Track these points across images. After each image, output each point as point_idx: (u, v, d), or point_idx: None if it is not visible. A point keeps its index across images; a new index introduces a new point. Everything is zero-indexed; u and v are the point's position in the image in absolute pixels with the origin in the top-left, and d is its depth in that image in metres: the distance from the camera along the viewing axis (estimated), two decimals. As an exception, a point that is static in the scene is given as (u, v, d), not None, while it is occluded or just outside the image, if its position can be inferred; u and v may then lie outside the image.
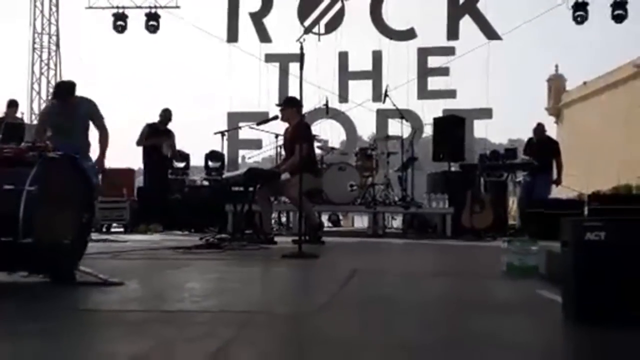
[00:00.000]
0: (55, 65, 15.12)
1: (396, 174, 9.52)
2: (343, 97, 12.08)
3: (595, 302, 2.26)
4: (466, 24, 11.95)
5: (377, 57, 12.12)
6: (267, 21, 12.38)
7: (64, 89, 6.43)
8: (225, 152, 9.26)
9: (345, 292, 3.22)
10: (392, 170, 9.63)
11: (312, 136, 7.44)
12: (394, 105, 9.38)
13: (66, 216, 3.34)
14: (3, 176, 3.11)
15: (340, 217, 12.93)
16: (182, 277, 3.89)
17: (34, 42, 14.93)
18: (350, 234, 9.44)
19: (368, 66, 12.15)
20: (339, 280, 3.56)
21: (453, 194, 8.91)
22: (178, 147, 10.19)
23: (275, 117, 7.18)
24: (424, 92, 11.97)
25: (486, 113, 11.97)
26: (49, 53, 15.08)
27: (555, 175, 9.46)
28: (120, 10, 12.66)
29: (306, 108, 7.23)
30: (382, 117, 11.43)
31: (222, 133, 8.22)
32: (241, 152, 11.93)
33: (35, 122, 12.39)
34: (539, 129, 9.60)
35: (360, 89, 12.21)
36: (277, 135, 8.67)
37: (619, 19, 11.52)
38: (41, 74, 15.03)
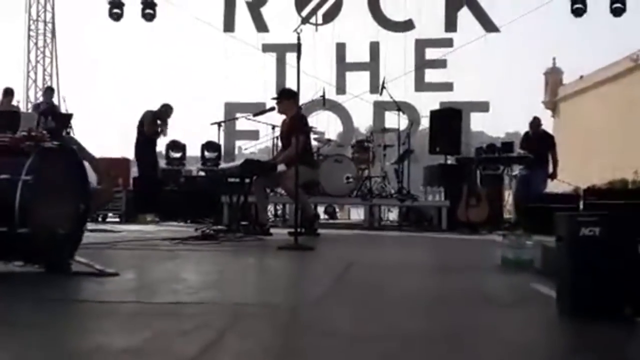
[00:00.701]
0: (51, 53, 15.04)
1: (392, 166, 9.53)
2: (340, 88, 12.07)
3: (589, 298, 2.27)
4: (464, 15, 11.93)
5: (374, 48, 12.10)
6: (265, 10, 12.35)
7: None
8: (221, 142, 9.27)
9: (340, 284, 3.23)
10: (389, 162, 9.63)
11: (308, 128, 7.43)
12: (391, 97, 9.38)
13: (62, 206, 3.33)
14: (-1, 166, 3.11)
15: (337, 210, 12.94)
16: (177, 268, 3.89)
17: (29, 29, 14.84)
18: (346, 227, 9.45)
19: (366, 57, 12.14)
20: (334, 272, 3.57)
21: (449, 187, 8.92)
22: (174, 136, 10.19)
23: (272, 109, 7.17)
24: (421, 85, 11.98)
25: (483, 106, 11.98)
26: (45, 40, 14.99)
27: (550, 170, 9.48)
28: (116, -2, 12.58)
29: (303, 99, 7.22)
30: (379, 109, 11.43)
31: (219, 124, 8.21)
32: (238, 143, 11.93)
33: (30, 110, 12.33)
34: (535, 122, 9.61)
35: (358, 81, 12.21)
36: (274, 127, 8.66)
37: (617, 12, 11.51)
38: (37, 61, 14.95)
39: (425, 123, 10.75)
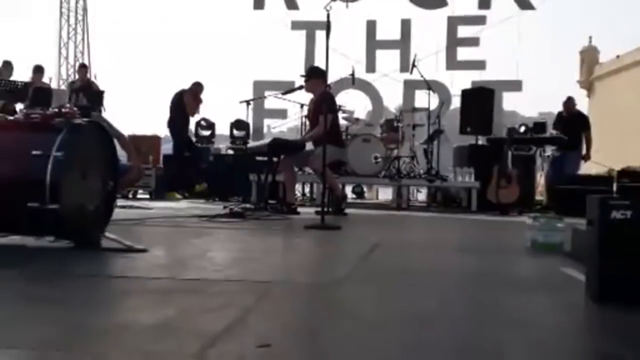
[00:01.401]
0: (83, 30, 15.20)
1: (422, 146, 9.44)
2: (370, 66, 11.95)
3: (619, 283, 2.22)
4: (499, -8, 11.69)
5: (406, 25, 11.92)
6: (295, -13, 12.24)
7: None
8: (250, 121, 9.28)
9: (366, 265, 3.22)
10: (418, 142, 9.54)
11: (336, 107, 7.40)
12: (422, 76, 9.25)
13: (92, 182, 3.38)
14: (30, 142, 3.16)
15: (365, 189, 12.91)
16: (204, 245, 3.92)
17: (61, 6, 15.00)
18: (374, 207, 9.43)
19: (396, 35, 11.97)
20: (360, 252, 3.56)
21: (479, 168, 8.81)
22: (204, 114, 10.25)
23: (301, 87, 7.15)
24: (452, 63, 11.79)
25: (516, 85, 11.76)
26: (76, 17, 15.15)
27: (584, 151, 9.29)
28: (148, -25, 12.61)
29: (332, 78, 7.17)
30: (409, 88, 11.31)
31: (248, 102, 8.22)
32: (266, 122, 11.93)
33: (63, 87, 12.51)
34: (569, 103, 9.42)
35: (388, 59, 12.07)
36: (302, 105, 8.65)
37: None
38: (68, 38, 15.13)
39: (456, 102, 10.61)
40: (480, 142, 9.47)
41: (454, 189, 9.47)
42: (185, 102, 9.60)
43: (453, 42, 11.74)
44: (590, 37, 26.09)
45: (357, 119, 9.50)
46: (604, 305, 2.23)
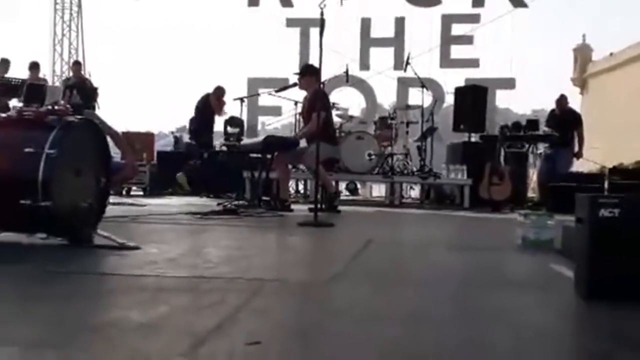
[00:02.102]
0: (77, 26, 15.13)
1: (415, 143, 9.47)
2: (364, 64, 11.97)
3: (607, 281, 2.24)
4: (492, -10, 11.72)
5: (400, 23, 11.95)
6: (289, -15, 12.23)
7: None
8: (244, 118, 9.28)
9: (358, 262, 3.23)
10: (412, 140, 9.57)
11: (329, 104, 7.41)
12: (416, 73, 9.27)
13: (84, 179, 3.38)
14: (23, 139, 3.16)
15: (358, 186, 12.92)
16: (197, 242, 3.93)
17: (55, 3, 14.93)
18: (367, 204, 9.45)
19: (390, 33, 12.00)
20: (353, 249, 3.57)
21: (472, 165, 8.85)
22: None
23: (295, 84, 7.16)
24: (446, 61, 11.82)
25: (509, 83, 11.81)
26: (71, 14, 15.08)
27: (576, 148, 9.33)
28: (141, -28, 12.58)
29: (326, 75, 7.17)
30: (403, 85, 11.33)
31: (242, 99, 8.22)
32: (261, 119, 11.94)
33: (57, 84, 12.47)
34: (562, 100, 9.46)
35: (382, 57, 12.09)
36: (296, 103, 8.65)
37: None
38: (63, 35, 15.06)
39: (449, 100, 10.65)
40: (473, 140, 9.50)
41: (446, 186, 9.50)
42: (212, 104, 9.74)
43: (447, 39, 11.78)
44: (584, 35, 26.14)
45: (350, 116, 9.52)
46: (593, 303, 2.25)
